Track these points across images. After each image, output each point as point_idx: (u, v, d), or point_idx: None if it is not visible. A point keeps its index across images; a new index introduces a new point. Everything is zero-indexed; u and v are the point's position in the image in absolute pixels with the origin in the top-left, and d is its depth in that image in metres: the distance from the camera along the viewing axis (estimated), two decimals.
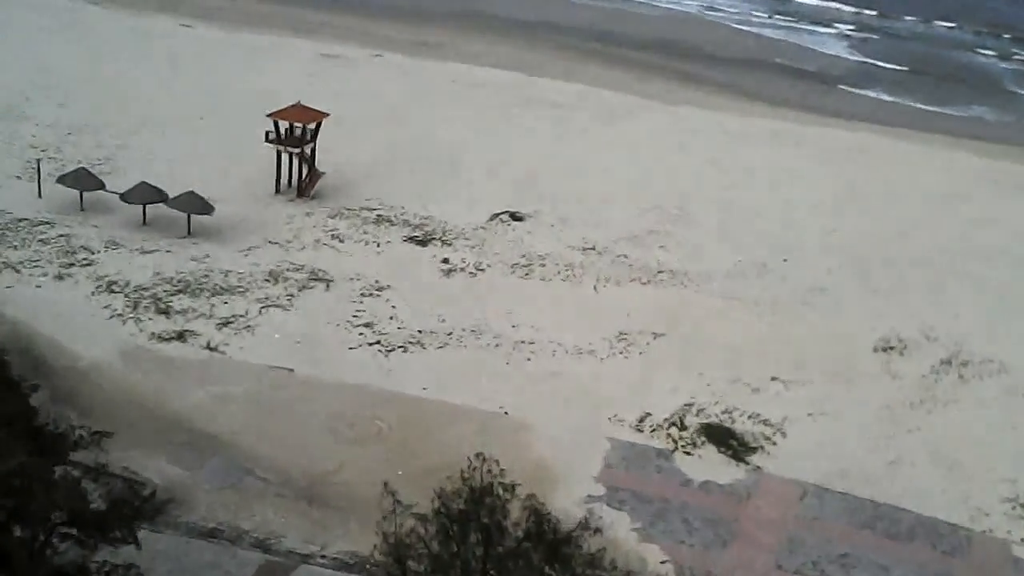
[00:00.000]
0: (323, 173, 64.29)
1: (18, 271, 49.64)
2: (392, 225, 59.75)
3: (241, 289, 50.30)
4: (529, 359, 47.45)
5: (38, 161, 59.59)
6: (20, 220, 54.92)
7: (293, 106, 62.97)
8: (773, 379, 48.66)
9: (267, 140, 62.53)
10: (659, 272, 57.60)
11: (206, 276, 51.11)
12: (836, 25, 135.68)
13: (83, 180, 57.22)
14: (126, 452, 38.21)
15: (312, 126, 62.77)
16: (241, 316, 47.99)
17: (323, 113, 63.59)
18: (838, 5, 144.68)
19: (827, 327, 54.14)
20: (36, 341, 44.40)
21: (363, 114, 77.38)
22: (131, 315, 46.95)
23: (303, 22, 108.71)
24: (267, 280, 51.58)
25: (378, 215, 61.07)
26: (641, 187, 70.89)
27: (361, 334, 47.85)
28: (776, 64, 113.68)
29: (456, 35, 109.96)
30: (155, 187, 56.66)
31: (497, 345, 48.17)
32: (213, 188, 61.85)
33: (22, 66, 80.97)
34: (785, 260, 61.60)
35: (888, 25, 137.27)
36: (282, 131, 62.44)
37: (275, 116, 62.20)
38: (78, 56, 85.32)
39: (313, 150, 63.56)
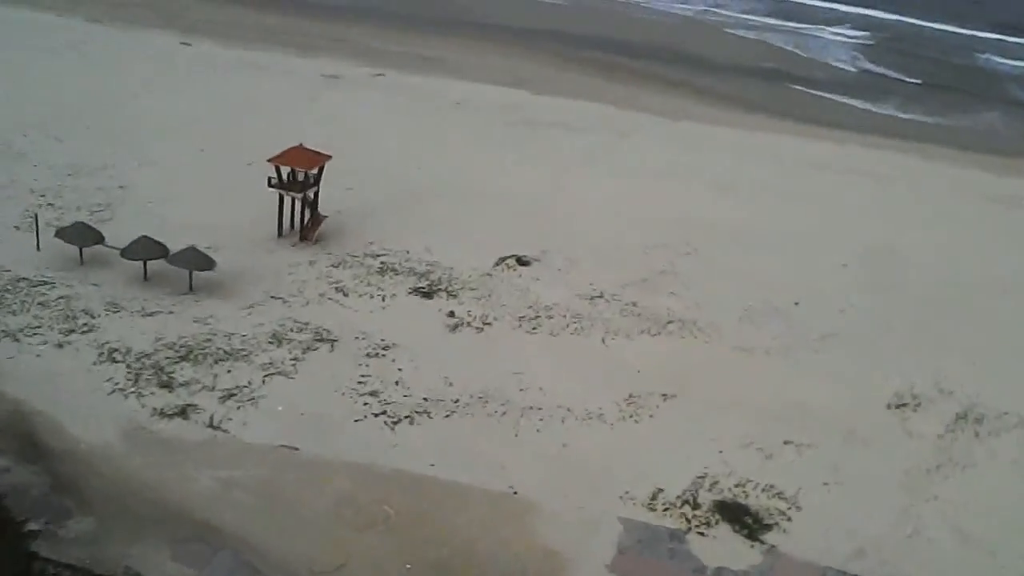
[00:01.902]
0: (326, 216, 63.37)
1: (18, 339, 48.78)
2: (397, 275, 58.80)
3: (244, 353, 49.43)
4: (538, 430, 46.58)
5: (35, 215, 58.54)
6: (19, 280, 54.03)
7: (294, 149, 61.88)
8: (786, 442, 47.84)
9: (269, 185, 61.55)
10: (669, 322, 56.66)
11: (208, 340, 50.23)
12: (839, 27, 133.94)
13: (82, 234, 56.27)
14: (128, 548, 37.54)
15: (314, 170, 61.67)
16: (245, 386, 47.16)
17: (325, 155, 62.56)
18: (839, 5, 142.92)
19: (840, 379, 53.27)
20: (36, 422, 43.60)
21: (365, 146, 76.37)
22: (132, 389, 46.11)
23: (303, 35, 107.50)
24: (270, 342, 50.70)
25: (382, 263, 60.12)
26: (648, 219, 69.94)
27: (366, 403, 47.01)
28: (779, 73, 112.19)
29: (458, 48, 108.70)
30: (155, 241, 55.71)
31: (504, 413, 47.34)
32: (215, 232, 61.17)
33: (21, 96, 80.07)
34: (797, 303, 60.57)
35: (895, 28, 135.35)
36: (284, 176, 61.34)
37: (276, 161, 61.16)
38: (78, 83, 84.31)
39: (316, 193, 62.55)
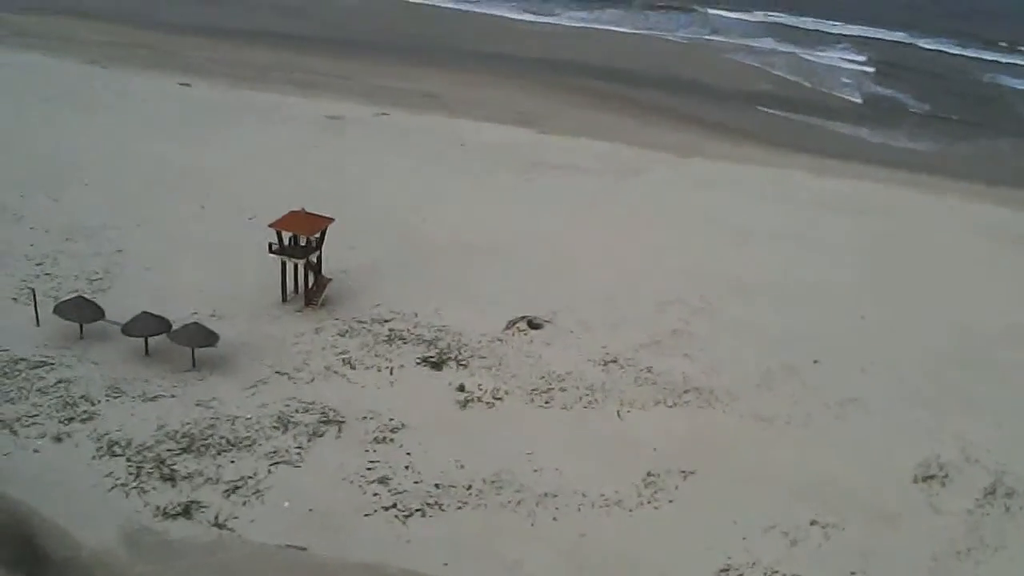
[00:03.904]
0: (330, 279, 61.88)
1: (15, 432, 47.29)
2: (405, 343, 57.24)
3: (248, 442, 47.89)
4: (555, 518, 44.97)
5: (33, 290, 57.08)
6: (18, 361, 52.57)
7: (295, 213, 60.41)
8: (812, 523, 46.24)
9: (271, 251, 60.10)
10: (685, 391, 55.05)
11: (212, 427, 48.68)
12: (842, 50, 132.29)
13: (81, 310, 54.84)
14: None
15: (316, 235, 60.18)
16: (249, 477, 45.62)
17: (327, 219, 61.11)
18: (839, 26, 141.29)
19: (864, 449, 51.68)
20: (35, 525, 42.09)
21: (369, 196, 75.25)
22: (134, 484, 44.59)
23: (304, 72, 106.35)
24: (275, 427, 49.15)
25: (390, 329, 58.58)
26: (660, 269, 68.54)
27: (376, 494, 45.44)
28: (786, 101, 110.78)
29: (461, 83, 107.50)
30: (156, 317, 54.24)
31: (519, 502, 45.73)
32: (217, 298, 59.89)
33: (17, 151, 78.82)
34: (816, 362, 58.96)
35: (898, 50, 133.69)
36: (285, 241, 59.85)
37: (278, 226, 59.68)
38: (75, 133, 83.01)
39: (319, 257, 61.04)
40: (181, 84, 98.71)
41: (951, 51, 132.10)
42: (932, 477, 49.98)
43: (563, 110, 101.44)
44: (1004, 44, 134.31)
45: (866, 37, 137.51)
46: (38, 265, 62.41)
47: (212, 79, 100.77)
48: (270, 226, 59.58)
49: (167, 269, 63.04)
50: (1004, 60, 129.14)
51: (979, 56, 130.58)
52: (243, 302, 60.27)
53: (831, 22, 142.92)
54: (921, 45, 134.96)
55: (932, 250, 74.85)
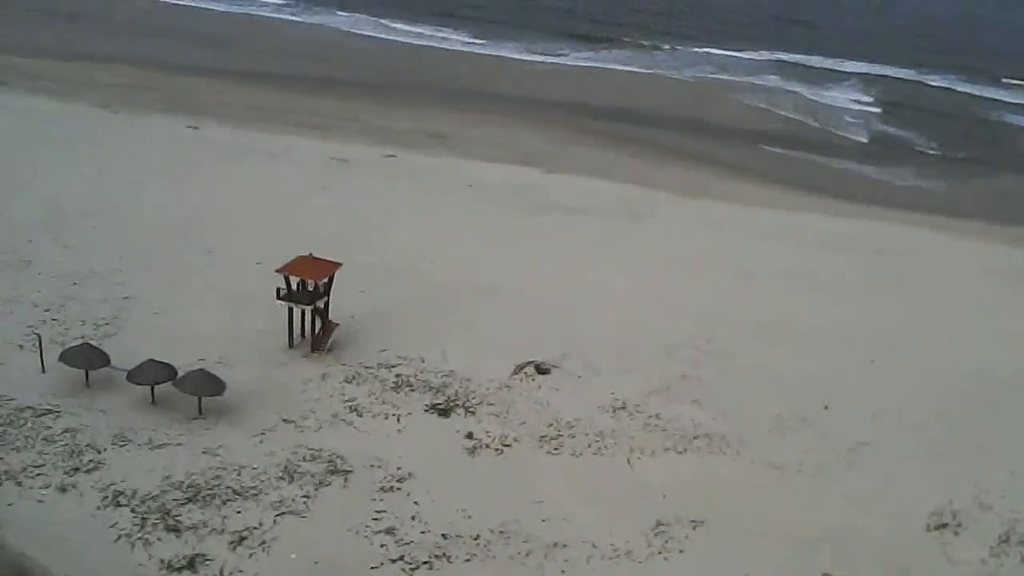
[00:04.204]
0: (337, 324, 61.66)
1: (19, 482, 46.93)
2: (412, 390, 56.91)
3: (255, 492, 47.47)
4: (563, 571, 44.40)
5: (39, 336, 56.93)
6: (23, 409, 52.28)
7: (302, 259, 60.33)
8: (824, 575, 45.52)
9: (278, 298, 59.90)
10: (695, 437, 54.60)
11: (218, 477, 48.29)
12: (847, 88, 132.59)
13: (87, 357, 54.61)
14: None
15: (324, 280, 60.06)
16: (255, 528, 45.18)
17: (334, 264, 60.99)
18: (849, 64, 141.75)
19: (876, 498, 51.08)
20: None
21: (376, 239, 75.16)
22: (139, 535, 44.16)
23: (312, 114, 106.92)
24: (282, 477, 48.75)
25: (397, 375, 58.27)
26: (668, 312, 68.32)
27: (383, 545, 44.95)
28: (792, 140, 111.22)
29: (467, 122, 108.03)
30: (162, 364, 53.99)
31: (528, 553, 45.19)
32: (224, 344, 59.65)
33: (29, 195, 79.09)
34: (826, 407, 58.52)
35: (903, 87, 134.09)
36: (293, 286, 59.72)
37: (285, 271, 59.57)
38: (84, 178, 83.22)
39: (326, 302, 60.88)
40: (190, 127, 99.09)
41: (958, 88, 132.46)
42: (945, 525, 49.38)
43: (570, 150, 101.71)
44: (1011, 81, 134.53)
45: (872, 75, 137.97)
46: (45, 311, 62.29)
47: (221, 121, 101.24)
48: (277, 271, 59.46)
49: (175, 315, 62.91)
50: (1010, 100, 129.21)
51: (986, 94, 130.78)
52: (250, 348, 60.03)
53: (837, 60, 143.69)
54: (928, 82, 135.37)
55: (943, 291, 74.57)
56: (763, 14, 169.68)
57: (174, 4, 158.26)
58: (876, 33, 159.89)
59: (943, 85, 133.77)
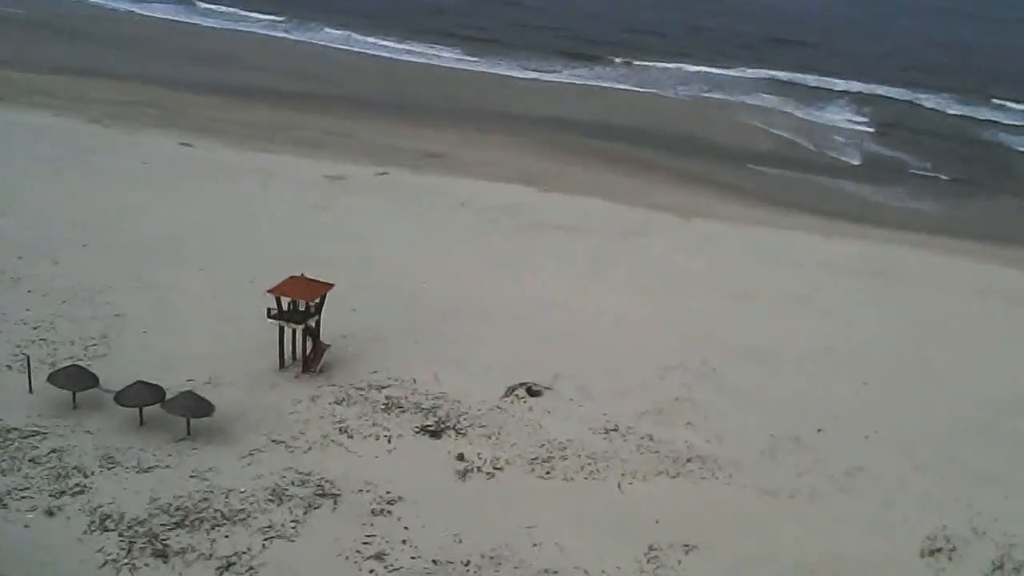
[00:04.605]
0: (328, 345, 61.28)
1: (6, 505, 46.45)
2: (403, 411, 56.52)
3: (243, 516, 47.00)
4: None
5: (27, 358, 56.46)
6: (10, 431, 51.81)
7: (294, 279, 60.02)
8: None
9: (269, 317, 59.58)
10: (687, 460, 54.25)
11: (206, 499, 47.82)
12: (842, 107, 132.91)
13: (75, 378, 54.18)
14: None
15: (315, 300, 59.70)
16: (244, 553, 44.71)
17: (326, 284, 60.70)
18: (843, 83, 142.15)
19: (870, 523, 50.75)
20: None
21: (369, 258, 74.92)
22: (126, 561, 43.67)
23: (306, 130, 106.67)
24: (271, 499, 48.29)
25: (387, 396, 57.90)
26: (662, 333, 68.02)
27: (372, 571, 44.54)
28: (787, 159, 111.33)
29: (462, 141, 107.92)
30: (150, 385, 53.59)
31: None
32: (214, 364, 59.30)
33: (19, 212, 78.74)
34: (820, 430, 58.25)
35: (898, 106, 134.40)
36: (284, 306, 59.36)
37: (276, 292, 59.22)
38: (77, 194, 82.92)
39: (318, 322, 60.50)
40: (183, 144, 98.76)
41: (952, 110, 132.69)
42: (939, 551, 49.07)
43: (564, 169, 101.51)
44: (1005, 102, 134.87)
45: (866, 94, 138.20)
46: (34, 329, 61.87)
47: (214, 138, 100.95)
48: (269, 291, 59.12)
49: (165, 333, 62.53)
50: (1006, 121, 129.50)
51: (979, 115, 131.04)
52: (240, 368, 59.65)
53: (831, 79, 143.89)
54: (922, 103, 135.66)
55: (938, 312, 74.37)
56: (757, 33, 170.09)
57: (167, 20, 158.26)
58: (869, 53, 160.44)
59: (936, 105, 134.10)
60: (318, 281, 60.46)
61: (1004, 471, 55.84)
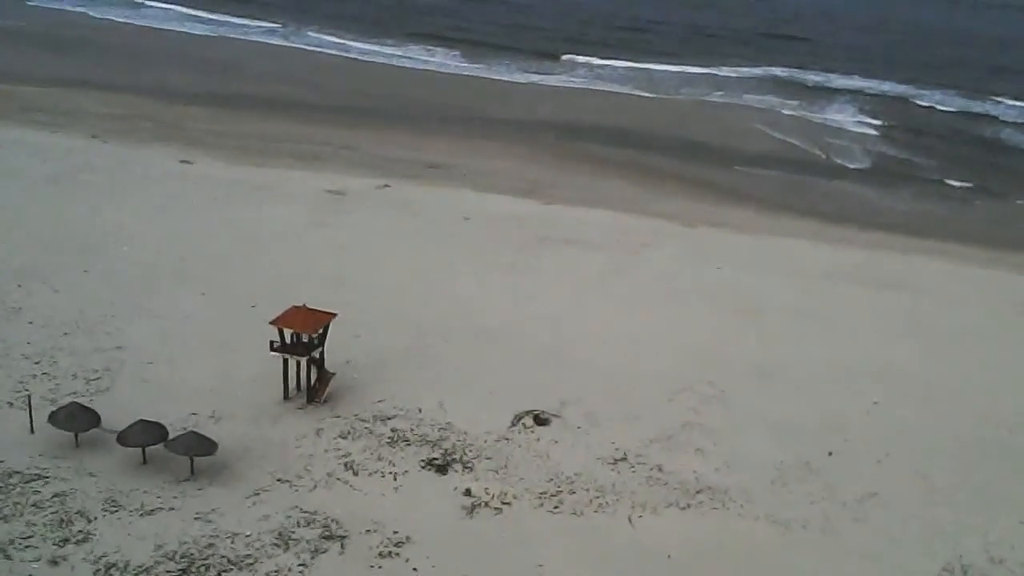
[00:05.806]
0: (333, 374, 60.58)
1: (9, 556, 45.76)
2: (408, 444, 55.81)
3: (249, 561, 46.31)
4: None
5: (28, 396, 55.81)
6: (12, 475, 51.09)
7: (296, 310, 59.27)
8: None
9: (272, 350, 58.82)
10: (698, 492, 53.48)
11: (211, 545, 47.13)
12: (846, 106, 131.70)
13: (77, 418, 53.43)
14: None
15: (319, 331, 58.97)
16: None
17: (329, 314, 59.92)
18: (847, 79, 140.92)
19: (884, 553, 50.00)
20: None
21: (372, 279, 74.34)
22: None
23: (307, 142, 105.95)
24: (276, 544, 47.59)
25: (392, 429, 57.18)
26: (669, 354, 67.36)
27: None
28: (791, 162, 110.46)
29: (464, 150, 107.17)
30: (153, 424, 52.87)
31: None
32: (217, 397, 58.58)
33: (18, 236, 78.05)
34: (830, 454, 57.48)
35: (901, 104, 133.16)
36: (287, 338, 58.62)
37: (279, 324, 58.46)
38: (76, 215, 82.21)
39: (322, 353, 59.77)
40: (182, 161, 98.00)
41: (956, 108, 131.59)
42: None
43: (567, 177, 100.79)
44: (1010, 99, 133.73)
45: (870, 93, 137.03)
46: (35, 363, 61.18)
47: (213, 154, 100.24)
48: (271, 324, 58.37)
49: (167, 365, 61.84)
50: (1011, 119, 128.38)
51: (983, 111, 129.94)
52: (243, 400, 58.95)
53: (835, 76, 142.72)
54: (924, 100, 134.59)
55: (948, 325, 73.60)
56: (758, 32, 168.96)
57: (163, 30, 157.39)
58: (872, 49, 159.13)
59: (942, 104, 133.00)
60: (320, 311, 59.69)
61: (1021, 494, 55.08)
